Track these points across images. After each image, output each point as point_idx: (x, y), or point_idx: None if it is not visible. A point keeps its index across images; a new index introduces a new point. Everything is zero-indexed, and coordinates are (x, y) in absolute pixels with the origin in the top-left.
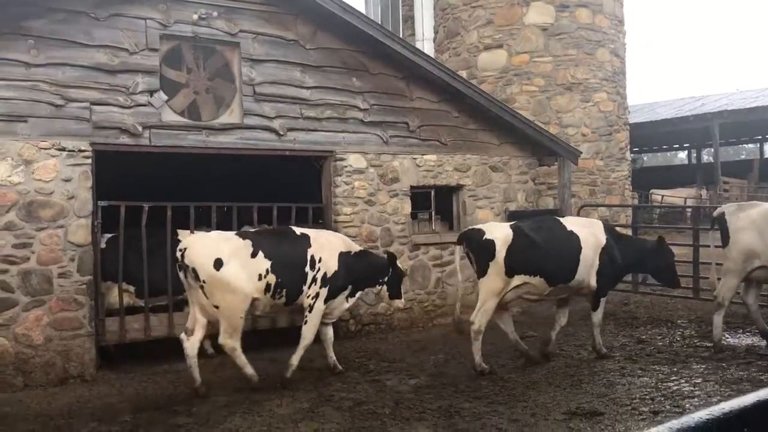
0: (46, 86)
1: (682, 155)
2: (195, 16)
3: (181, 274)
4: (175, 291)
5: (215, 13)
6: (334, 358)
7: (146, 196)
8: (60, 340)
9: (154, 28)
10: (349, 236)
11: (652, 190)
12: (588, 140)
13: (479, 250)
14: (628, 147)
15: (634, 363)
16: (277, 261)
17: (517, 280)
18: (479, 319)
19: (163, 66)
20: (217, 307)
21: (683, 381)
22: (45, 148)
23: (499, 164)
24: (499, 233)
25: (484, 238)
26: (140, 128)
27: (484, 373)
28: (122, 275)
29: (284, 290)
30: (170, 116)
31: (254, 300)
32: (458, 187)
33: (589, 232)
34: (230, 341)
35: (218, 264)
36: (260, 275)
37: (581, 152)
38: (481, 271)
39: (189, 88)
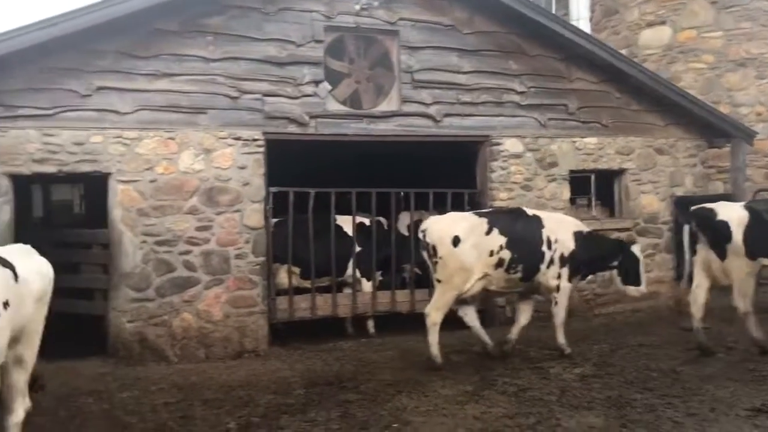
0: (222, 79)
1: None
2: (357, 7)
3: (424, 253)
4: (336, 273)
5: (376, 3)
6: (514, 340)
7: (311, 182)
8: (236, 317)
9: (319, 20)
10: None
11: None
12: (763, 120)
13: (713, 231)
14: None
15: None
16: (512, 238)
17: (761, 262)
18: (742, 302)
19: (327, 57)
20: (438, 281)
21: None
22: (223, 138)
23: (665, 147)
24: (734, 214)
25: (717, 219)
26: (307, 117)
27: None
28: (288, 257)
29: (520, 266)
30: (334, 105)
31: (485, 275)
32: (620, 171)
33: None
34: (434, 315)
35: (456, 241)
36: (492, 251)
37: (757, 133)
38: (721, 254)
39: (351, 78)
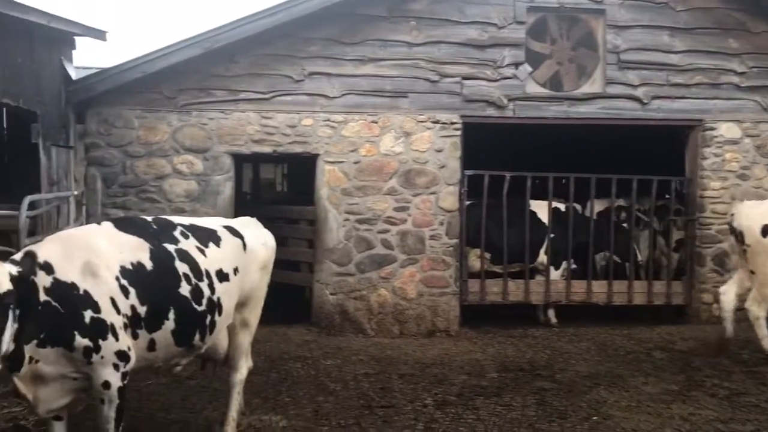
0: (424, 63)
1: None
2: None
3: (732, 238)
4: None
5: None
6: None
7: (506, 167)
8: (429, 296)
9: (521, 1)
10: (715, 213)
11: None
12: None
13: None
14: None
15: None
16: None
17: None
18: None
19: (528, 38)
20: (753, 273)
21: None
22: (422, 121)
23: None
24: None
25: None
26: (505, 100)
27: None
28: (481, 241)
29: None
30: (533, 88)
31: None
32: None
33: None
34: (756, 309)
35: (765, 231)
36: None
37: None
38: None
39: (552, 59)
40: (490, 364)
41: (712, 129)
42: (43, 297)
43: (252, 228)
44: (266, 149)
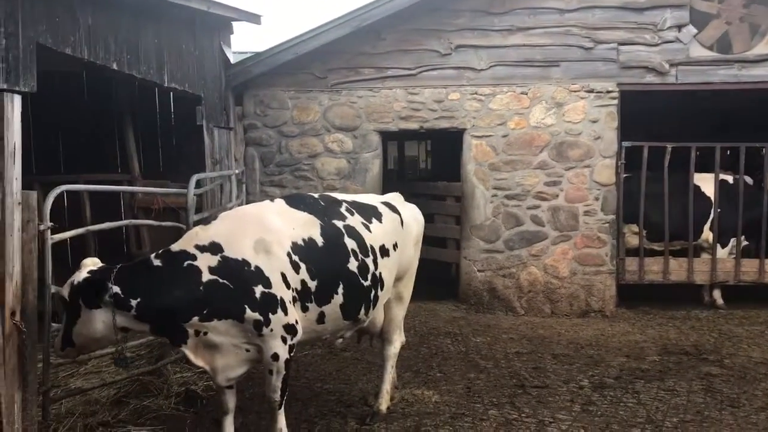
0: (577, 30)
1: None
2: None
3: None
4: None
5: None
6: None
7: (668, 137)
8: (583, 275)
9: None
10: None
11: None
12: None
13: None
14: None
15: None
16: None
17: None
18: None
19: None
20: None
21: None
22: (575, 91)
23: None
24: None
25: None
26: (667, 66)
27: None
28: (636, 216)
29: None
30: (698, 51)
31: None
32: None
33: None
34: None
35: None
36: None
37: None
38: None
39: (720, 19)
40: (651, 346)
41: None
42: (207, 277)
43: (402, 204)
44: (413, 125)
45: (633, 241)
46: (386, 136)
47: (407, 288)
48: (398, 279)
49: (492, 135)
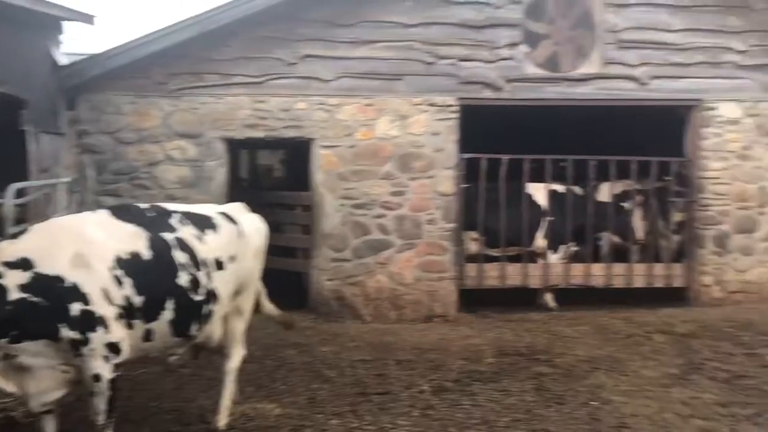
0: (419, 45)
1: None
2: None
3: None
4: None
5: None
6: None
7: (504, 149)
8: (427, 281)
9: None
10: (716, 194)
11: None
12: None
13: None
14: None
15: None
16: None
17: None
18: None
19: (525, 18)
20: None
21: None
22: (417, 104)
23: None
24: None
25: None
26: (502, 82)
27: None
28: (474, 224)
29: None
30: (531, 69)
31: None
32: None
33: None
34: None
35: None
36: None
37: None
38: None
39: (550, 40)
40: (488, 349)
41: (712, 109)
42: (15, 296)
43: (243, 214)
44: (259, 134)
45: (473, 247)
46: (233, 144)
47: (247, 301)
48: (237, 292)
49: (340, 145)
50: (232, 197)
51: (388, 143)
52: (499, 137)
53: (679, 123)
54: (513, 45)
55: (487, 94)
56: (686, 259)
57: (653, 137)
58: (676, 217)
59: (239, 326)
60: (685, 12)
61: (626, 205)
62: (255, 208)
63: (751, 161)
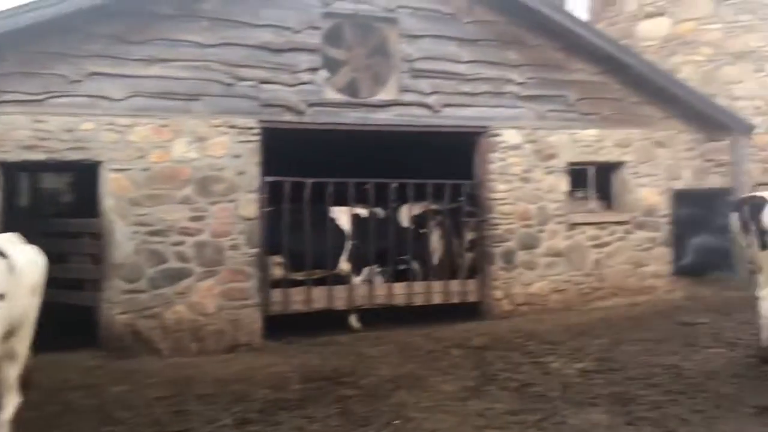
0: (217, 66)
1: None
2: None
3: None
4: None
5: None
6: None
7: (310, 172)
8: (230, 310)
9: (316, 6)
10: (502, 214)
11: None
12: (761, 113)
13: (763, 219)
14: None
15: None
16: None
17: None
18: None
19: (324, 44)
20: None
21: None
22: (217, 126)
23: (664, 139)
24: None
25: None
26: (304, 106)
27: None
28: (278, 248)
29: None
30: (331, 94)
31: None
32: (618, 164)
33: None
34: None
35: None
36: None
37: (755, 126)
38: (766, 242)
39: (349, 66)
40: (294, 375)
41: (497, 135)
42: None
43: (17, 246)
44: (39, 156)
45: (278, 272)
46: (9, 168)
47: (23, 343)
48: (10, 333)
49: (132, 168)
50: (6, 227)
51: (185, 166)
52: (306, 161)
53: (470, 148)
54: (313, 70)
55: (289, 117)
56: (479, 275)
57: (448, 161)
58: (469, 235)
59: (12, 372)
60: (471, 45)
61: (425, 229)
62: (34, 238)
63: (532, 183)
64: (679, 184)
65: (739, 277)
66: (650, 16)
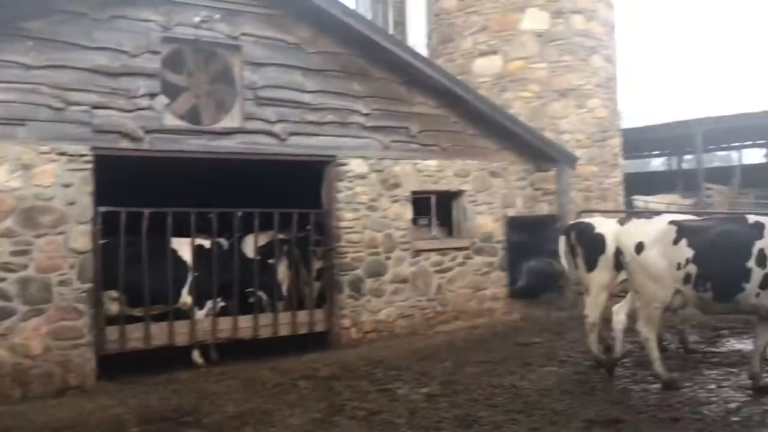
0: (46, 89)
1: (656, 162)
2: (196, 19)
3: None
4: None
5: (217, 16)
6: None
7: (150, 201)
8: (59, 350)
9: (155, 30)
10: (350, 242)
11: (634, 196)
12: (582, 146)
13: (589, 243)
14: (621, 153)
15: (644, 369)
16: (703, 251)
17: (623, 275)
18: (593, 312)
19: (164, 69)
20: (636, 291)
21: (697, 387)
22: (45, 153)
23: (499, 170)
24: (609, 228)
25: (594, 231)
26: (141, 132)
27: (601, 364)
28: (115, 283)
29: (708, 284)
30: (171, 120)
31: (677, 291)
32: (458, 193)
33: None
34: (644, 330)
35: (639, 248)
36: (679, 264)
37: (578, 158)
38: (591, 265)
39: (190, 92)
40: (131, 417)
41: (344, 164)
42: None
43: None
44: None
45: (114, 308)
46: None
47: None
48: None
49: None
50: None
51: (7, 196)
52: (148, 190)
53: (317, 177)
54: (152, 95)
55: (125, 144)
56: (327, 304)
57: (297, 189)
58: (317, 264)
59: None
60: (317, 75)
61: (272, 259)
62: None
63: (378, 212)
64: (512, 212)
65: (568, 299)
66: (484, 54)
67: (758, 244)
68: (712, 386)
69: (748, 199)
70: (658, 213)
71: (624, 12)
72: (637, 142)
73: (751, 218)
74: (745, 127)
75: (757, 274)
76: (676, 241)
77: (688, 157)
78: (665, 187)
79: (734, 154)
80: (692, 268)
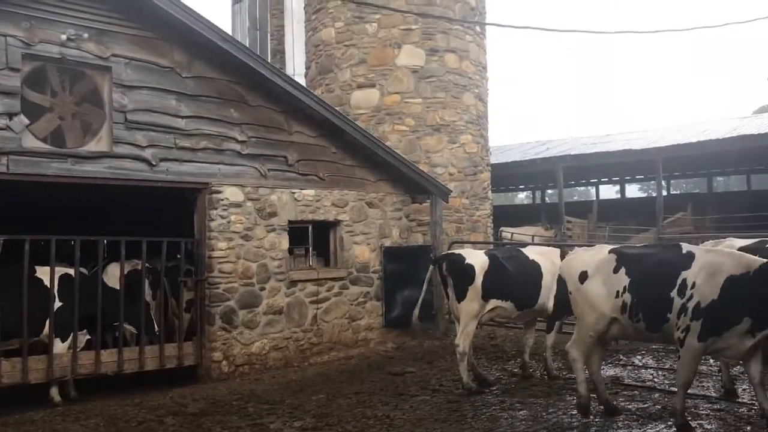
0: None
1: (522, 195)
2: (63, 37)
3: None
4: (30, 333)
5: (85, 35)
6: None
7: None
8: None
9: (16, 46)
10: (223, 273)
11: (501, 228)
12: (455, 179)
13: (459, 274)
14: (490, 187)
15: (512, 396)
16: (637, 279)
17: (491, 303)
18: (463, 341)
19: (24, 88)
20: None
21: (560, 413)
22: None
23: (375, 200)
24: (478, 259)
25: (465, 262)
26: None
27: (472, 392)
28: None
29: (640, 313)
30: (32, 142)
31: (613, 320)
32: (336, 223)
33: (548, 260)
34: (573, 351)
35: (583, 277)
36: (618, 292)
37: (451, 191)
38: (461, 295)
39: (53, 113)
40: None
41: (218, 192)
42: None
43: None
44: None
45: None
46: None
47: None
48: None
49: None
50: None
51: None
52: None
53: (190, 205)
54: (10, 114)
55: None
56: (196, 336)
57: (168, 217)
58: (187, 295)
59: None
60: (191, 100)
61: (138, 290)
62: None
63: (254, 241)
64: (389, 242)
65: (439, 327)
66: (362, 86)
67: (683, 275)
68: (574, 411)
69: (604, 231)
70: (523, 245)
71: (494, 55)
72: (505, 177)
73: (685, 247)
74: (602, 165)
75: (677, 303)
76: (616, 270)
77: (550, 191)
78: (530, 219)
79: (592, 189)
80: (627, 297)
